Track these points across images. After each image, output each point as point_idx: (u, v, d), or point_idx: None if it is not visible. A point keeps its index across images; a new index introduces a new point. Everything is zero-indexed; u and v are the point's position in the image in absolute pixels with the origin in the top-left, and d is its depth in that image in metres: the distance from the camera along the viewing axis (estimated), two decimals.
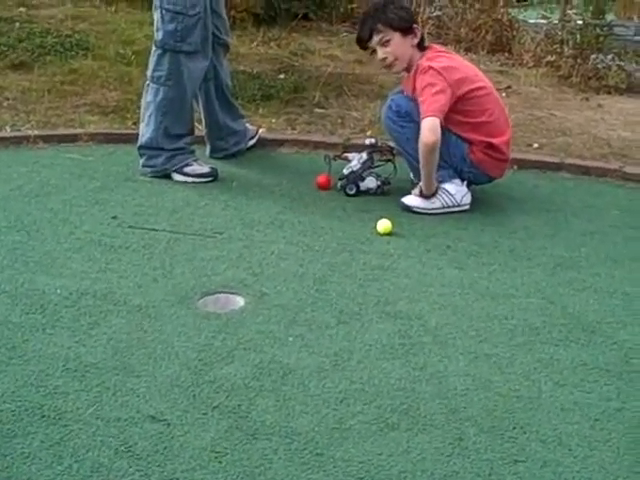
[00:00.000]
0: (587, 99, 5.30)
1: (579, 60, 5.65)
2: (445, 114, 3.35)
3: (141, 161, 3.78)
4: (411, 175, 3.67)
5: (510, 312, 2.67)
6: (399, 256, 3.06)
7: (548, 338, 2.52)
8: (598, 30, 5.85)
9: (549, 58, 5.84)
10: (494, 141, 3.49)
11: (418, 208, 3.48)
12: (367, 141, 3.76)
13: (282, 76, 5.25)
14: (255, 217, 3.36)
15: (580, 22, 6.00)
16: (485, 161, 3.51)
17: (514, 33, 6.35)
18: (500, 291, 2.82)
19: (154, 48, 3.69)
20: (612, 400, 2.22)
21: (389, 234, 3.23)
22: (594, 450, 2.02)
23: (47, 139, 4.17)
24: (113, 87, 4.92)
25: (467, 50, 6.11)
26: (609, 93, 5.45)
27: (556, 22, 6.32)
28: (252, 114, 4.58)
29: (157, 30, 3.66)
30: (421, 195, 3.48)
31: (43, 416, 2.05)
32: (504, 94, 5.07)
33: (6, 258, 2.90)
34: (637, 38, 6.61)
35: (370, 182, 3.65)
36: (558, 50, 5.86)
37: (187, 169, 3.75)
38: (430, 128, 3.32)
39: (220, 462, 1.92)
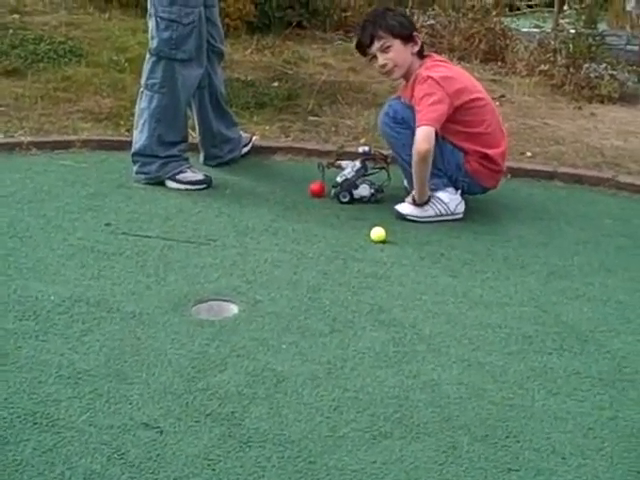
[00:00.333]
0: (580, 108, 5.32)
1: (572, 69, 5.67)
2: (442, 124, 3.36)
3: (134, 168, 3.78)
4: (405, 182, 3.68)
5: (503, 320, 2.67)
6: (392, 264, 3.06)
7: (541, 347, 2.52)
8: (590, 39, 5.86)
9: (542, 67, 5.85)
10: (490, 152, 3.50)
11: (412, 216, 3.48)
12: (361, 149, 3.76)
13: (276, 84, 5.25)
14: (249, 224, 3.36)
15: (573, 31, 6.01)
16: (480, 171, 3.52)
17: (507, 42, 6.36)
18: (494, 299, 2.82)
19: (149, 55, 3.69)
20: (605, 409, 2.22)
21: (383, 242, 3.23)
22: (587, 459, 2.02)
23: (40, 146, 4.16)
24: (106, 94, 4.91)
25: (460, 59, 6.12)
26: (602, 102, 5.47)
27: (549, 31, 6.35)
28: (246, 122, 4.57)
29: (152, 38, 3.66)
30: (414, 203, 3.49)
31: (35, 423, 2.05)
32: (497, 103, 5.06)
33: None
34: (629, 47, 6.62)
35: (364, 190, 3.65)
36: (551, 59, 5.88)
37: (180, 176, 3.75)
38: (424, 137, 3.33)
39: (213, 469, 1.92)
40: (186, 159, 3.82)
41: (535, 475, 1.95)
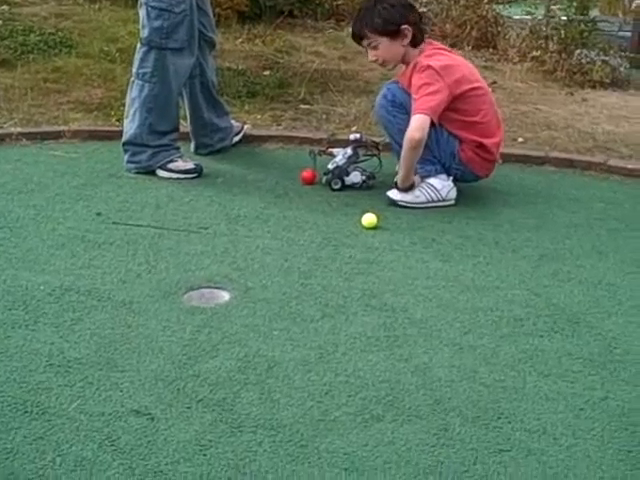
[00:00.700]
0: (572, 94, 5.31)
1: (564, 55, 5.66)
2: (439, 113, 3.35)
3: (125, 157, 3.77)
4: (397, 167, 3.66)
5: (495, 304, 2.67)
6: (384, 249, 3.06)
7: (533, 329, 2.52)
8: (582, 26, 5.86)
9: (534, 53, 5.84)
10: (485, 141, 3.49)
11: (403, 202, 3.47)
12: (352, 136, 3.75)
13: (267, 73, 5.24)
14: (240, 212, 3.35)
15: (564, 18, 6.01)
16: (474, 160, 3.51)
17: (499, 29, 6.36)
18: (485, 283, 2.82)
19: (139, 45, 3.67)
20: (596, 390, 2.22)
21: (374, 228, 3.22)
22: (578, 439, 2.02)
23: (30, 136, 4.15)
24: (97, 84, 4.90)
25: (452, 46, 6.06)
26: (593, 88, 5.47)
27: (541, 18, 6.33)
28: (237, 110, 4.56)
29: (143, 27, 3.64)
30: (396, 187, 3.47)
31: (26, 411, 2.04)
32: (490, 89, 5.07)
33: None
34: (621, 33, 6.63)
35: (355, 177, 3.65)
36: (543, 45, 5.87)
37: (171, 165, 3.74)
38: (418, 125, 3.32)
39: (205, 455, 1.91)
40: (177, 148, 3.80)
41: (526, 455, 1.95)
